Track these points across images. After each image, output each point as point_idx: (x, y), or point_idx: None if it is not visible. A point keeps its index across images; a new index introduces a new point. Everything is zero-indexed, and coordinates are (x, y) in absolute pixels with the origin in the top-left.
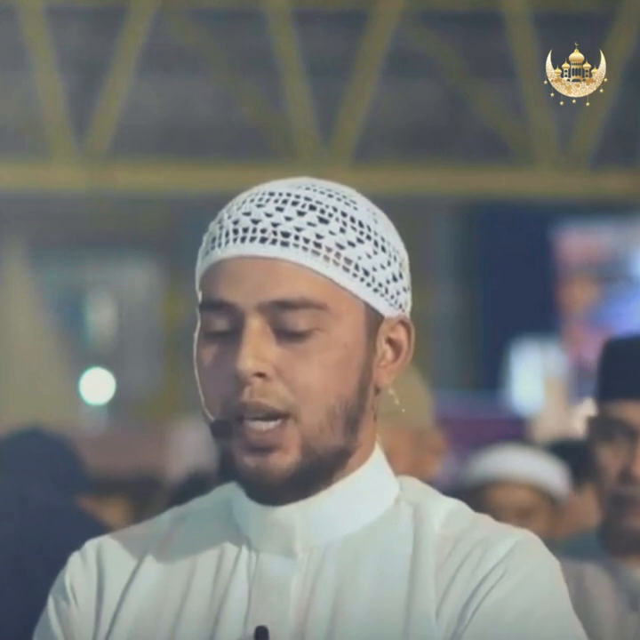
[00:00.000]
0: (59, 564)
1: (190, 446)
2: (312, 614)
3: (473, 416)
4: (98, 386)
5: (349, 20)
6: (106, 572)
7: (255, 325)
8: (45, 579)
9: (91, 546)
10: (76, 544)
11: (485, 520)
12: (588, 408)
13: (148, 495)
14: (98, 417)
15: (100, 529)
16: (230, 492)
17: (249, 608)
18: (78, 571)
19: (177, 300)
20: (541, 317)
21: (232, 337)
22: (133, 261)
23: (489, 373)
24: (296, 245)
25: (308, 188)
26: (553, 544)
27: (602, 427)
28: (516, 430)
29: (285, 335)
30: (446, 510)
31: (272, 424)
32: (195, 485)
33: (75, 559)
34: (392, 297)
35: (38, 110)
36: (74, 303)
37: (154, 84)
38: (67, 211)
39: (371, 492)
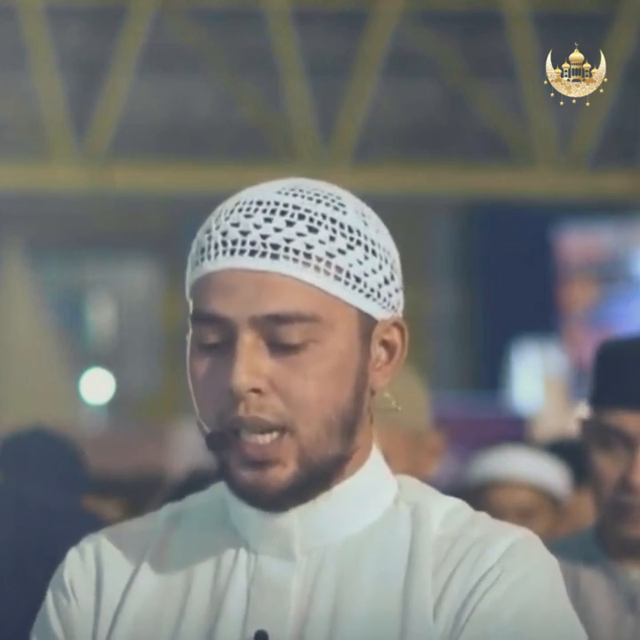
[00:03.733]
0: (58, 564)
1: (190, 446)
2: (312, 616)
3: (473, 416)
4: (98, 386)
5: (349, 20)
6: (104, 570)
7: (248, 340)
8: (45, 579)
9: (88, 542)
10: (77, 543)
11: (484, 518)
12: (581, 410)
13: (148, 495)
14: (98, 417)
15: (100, 528)
16: (225, 491)
17: (248, 610)
18: (77, 567)
19: (177, 300)
20: (541, 317)
21: (225, 350)
22: (133, 261)
23: (489, 373)
24: (286, 257)
25: (295, 195)
26: (549, 543)
27: (598, 433)
28: (515, 430)
29: (279, 348)
30: (445, 509)
31: (268, 438)
32: (195, 484)
33: (73, 555)
34: (385, 300)
35: (38, 110)
36: (74, 303)
37: (154, 84)
38: (67, 211)
39: (369, 494)
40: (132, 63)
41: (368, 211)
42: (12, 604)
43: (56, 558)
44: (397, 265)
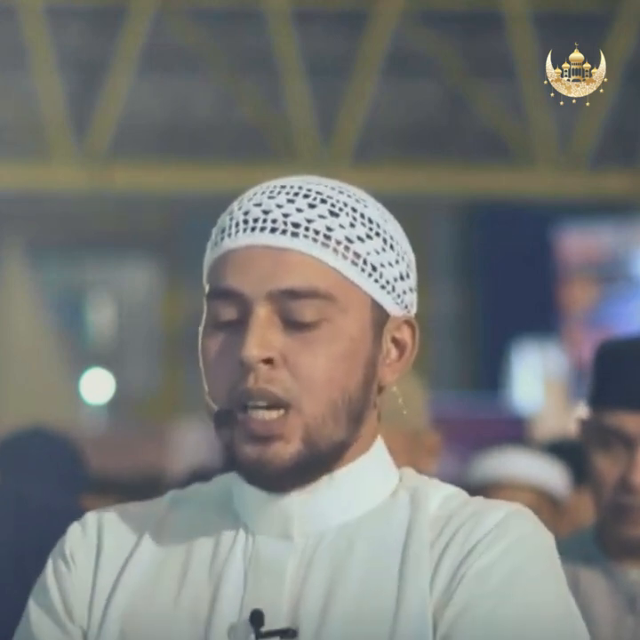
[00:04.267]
0: None
1: (190, 446)
2: (306, 598)
3: (473, 416)
4: (98, 386)
5: (349, 20)
6: (104, 545)
7: (263, 313)
8: None
9: (91, 517)
10: None
11: (479, 499)
12: (581, 410)
13: (147, 495)
14: (98, 417)
15: None
16: (231, 479)
17: (245, 590)
18: (78, 540)
19: (177, 300)
20: (541, 317)
21: (239, 326)
22: (133, 261)
23: (489, 373)
24: (306, 236)
25: (318, 184)
26: None
27: (597, 433)
28: (515, 430)
29: (292, 325)
30: (443, 494)
31: (275, 414)
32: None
33: (74, 529)
34: (398, 296)
35: (38, 110)
36: (74, 303)
37: (154, 84)
38: (67, 211)
39: (370, 481)
40: (132, 63)
41: (388, 213)
42: (12, 603)
43: None
44: (413, 267)
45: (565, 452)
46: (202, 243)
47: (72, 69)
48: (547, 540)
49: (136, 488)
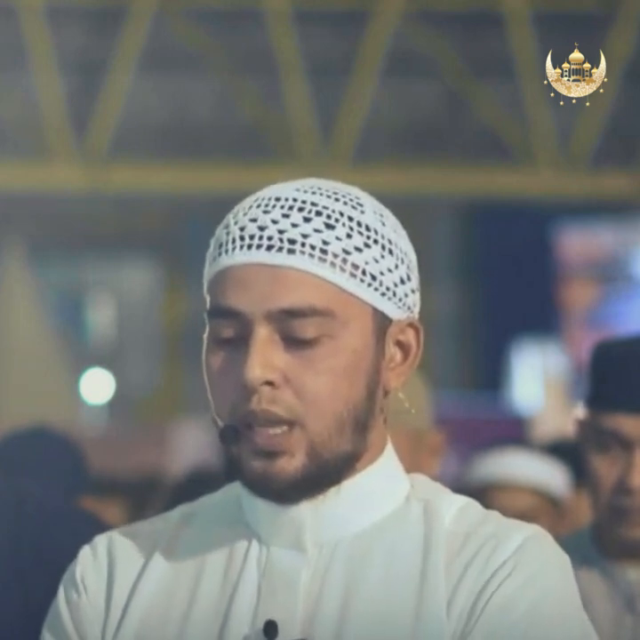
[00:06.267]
0: (56, 564)
1: (190, 446)
2: (321, 609)
3: (473, 416)
4: (98, 386)
5: (349, 20)
6: (116, 566)
7: (263, 333)
8: (43, 580)
9: (101, 540)
10: (75, 545)
11: (495, 516)
12: (578, 411)
13: (147, 495)
14: (98, 417)
15: (99, 529)
16: (240, 488)
17: (259, 601)
18: (89, 564)
19: (177, 300)
20: (541, 317)
21: (240, 344)
22: (133, 261)
23: (489, 373)
24: (302, 252)
25: (314, 193)
26: None
27: (595, 435)
28: (515, 430)
29: (293, 342)
30: (456, 507)
31: (279, 429)
32: (194, 484)
33: (85, 552)
34: (400, 300)
35: (38, 110)
36: (74, 303)
37: (154, 83)
38: (67, 211)
39: (381, 490)
40: (132, 63)
41: (386, 212)
42: (10, 604)
43: (55, 558)
44: (414, 266)
45: (565, 452)
46: (202, 243)
47: (72, 69)
48: (564, 564)
49: (136, 488)
